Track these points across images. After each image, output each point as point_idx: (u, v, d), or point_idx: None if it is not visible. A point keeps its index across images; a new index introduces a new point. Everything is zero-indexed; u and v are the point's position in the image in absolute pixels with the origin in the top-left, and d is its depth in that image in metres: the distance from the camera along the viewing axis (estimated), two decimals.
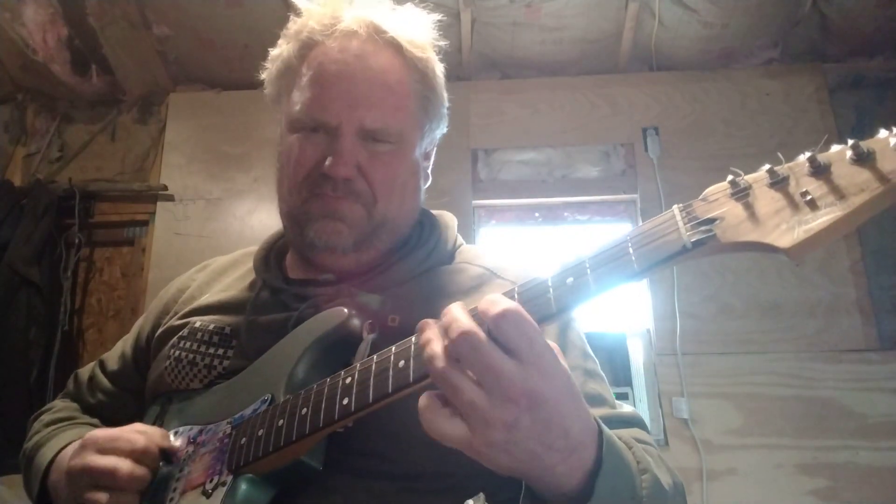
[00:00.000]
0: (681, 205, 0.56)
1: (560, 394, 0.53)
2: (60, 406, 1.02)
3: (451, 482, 0.72)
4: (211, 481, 0.72)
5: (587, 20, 2.90)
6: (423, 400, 0.56)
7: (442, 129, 0.94)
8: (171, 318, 0.96)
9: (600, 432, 0.58)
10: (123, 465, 0.72)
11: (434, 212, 0.98)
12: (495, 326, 0.52)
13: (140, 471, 0.73)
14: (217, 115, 3.12)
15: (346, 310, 0.75)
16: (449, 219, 0.97)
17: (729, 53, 3.01)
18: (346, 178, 0.81)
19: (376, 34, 0.83)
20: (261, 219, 2.98)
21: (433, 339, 0.56)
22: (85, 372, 1.06)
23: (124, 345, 1.05)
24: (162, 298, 1.03)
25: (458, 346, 0.52)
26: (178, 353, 0.88)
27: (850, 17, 2.83)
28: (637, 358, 2.69)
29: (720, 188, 0.55)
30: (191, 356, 0.87)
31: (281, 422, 0.69)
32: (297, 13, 0.88)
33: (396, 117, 0.83)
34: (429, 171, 0.96)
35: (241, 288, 0.94)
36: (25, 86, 3.24)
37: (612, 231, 2.99)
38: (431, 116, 0.90)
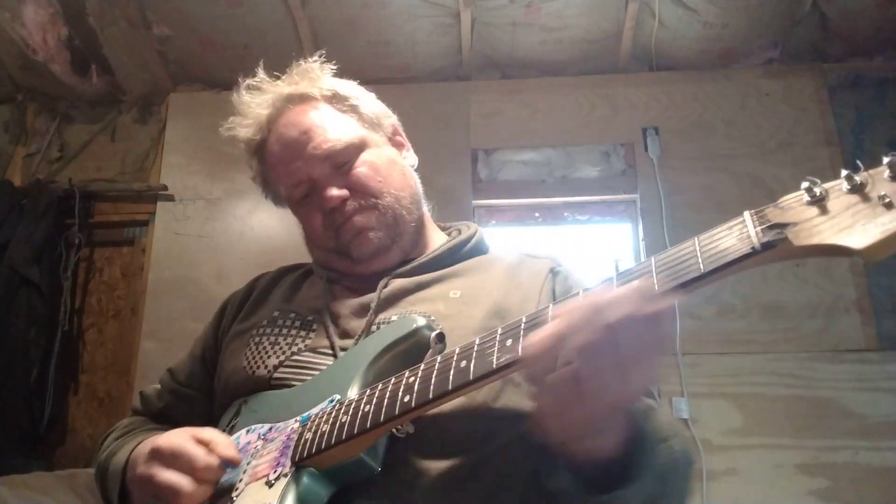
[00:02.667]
0: (753, 210, 0.55)
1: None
2: (127, 422, 1.05)
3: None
4: (274, 472, 0.75)
5: (587, 20, 2.90)
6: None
7: (389, 118, 1.07)
8: (243, 316, 1.04)
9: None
10: (184, 483, 0.75)
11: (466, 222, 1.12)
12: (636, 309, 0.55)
13: (200, 490, 0.76)
14: (217, 115, 3.10)
15: (417, 319, 0.80)
16: (477, 227, 1.10)
17: (729, 53, 3.01)
18: (342, 200, 0.94)
19: (283, 102, 0.99)
20: (261, 219, 2.98)
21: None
22: (150, 388, 1.10)
23: (192, 349, 1.10)
24: (231, 303, 1.10)
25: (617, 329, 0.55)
26: (258, 339, 0.95)
27: (850, 17, 2.83)
28: None
29: (795, 196, 0.54)
30: (272, 338, 0.94)
31: (345, 418, 0.72)
32: (232, 132, 1.05)
33: (337, 135, 0.96)
34: (409, 153, 1.08)
35: (307, 286, 1.04)
36: (25, 86, 3.24)
37: (612, 231, 2.99)
38: (368, 115, 1.02)
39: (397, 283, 0.93)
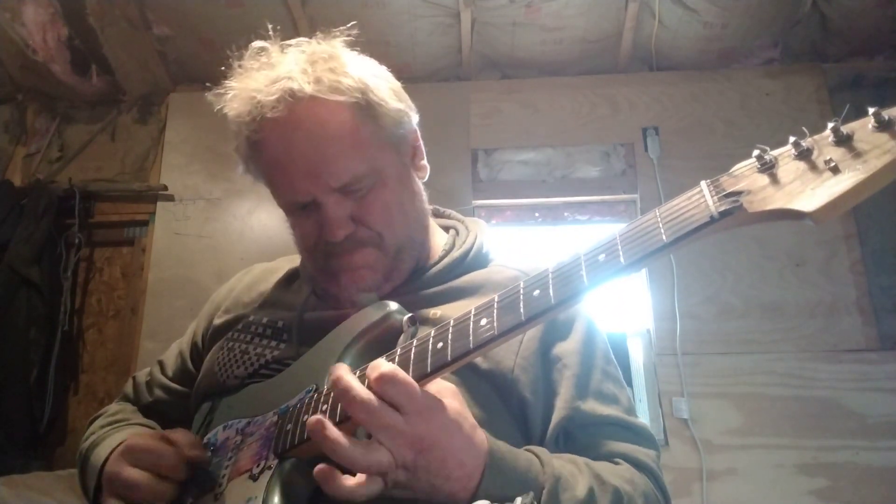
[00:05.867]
0: (708, 180, 0.57)
1: (448, 433, 0.64)
2: (115, 409, 1.05)
3: None
4: (258, 466, 0.74)
5: (587, 20, 2.90)
6: (319, 474, 0.63)
7: (411, 120, 0.92)
8: (222, 314, 1.02)
9: (489, 454, 0.66)
10: (145, 480, 0.77)
11: (466, 219, 1.04)
12: (378, 389, 0.62)
13: (161, 486, 0.77)
14: (217, 115, 3.11)
15: (388, 304, 0.79)
16: (482, 225, 1.02)
17: (729, 53, 3.01)
18: (345, 236, 0.85)
19: (295, 100, 0.81)
20: (261, 219, 2.98)
21: (324, 420, 0.64)
22: (142, 374, 1.09)
23: (180, 345, 1.09)
24: (214, 300, 1.08)
25: (354, 412, 0.63)
26: (231, 344, 0.93)
27: (850, 17, 2.83)
28: (637, 358, 2.69)
29: (747, 164, 0.56)
30: (243, 346, 0.92)
31: (325, 407, 0.71)
32: (226, 115, 0.89)
33: (357, 159, 0.83)
34: (423, 162, 0.97)
35: (290, 288, 1.01)
36: (25, 86, 3.24)
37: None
38: (392, 128, 0.88)
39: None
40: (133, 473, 0.77)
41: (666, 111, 2.99)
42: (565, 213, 3.00)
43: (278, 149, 0.84)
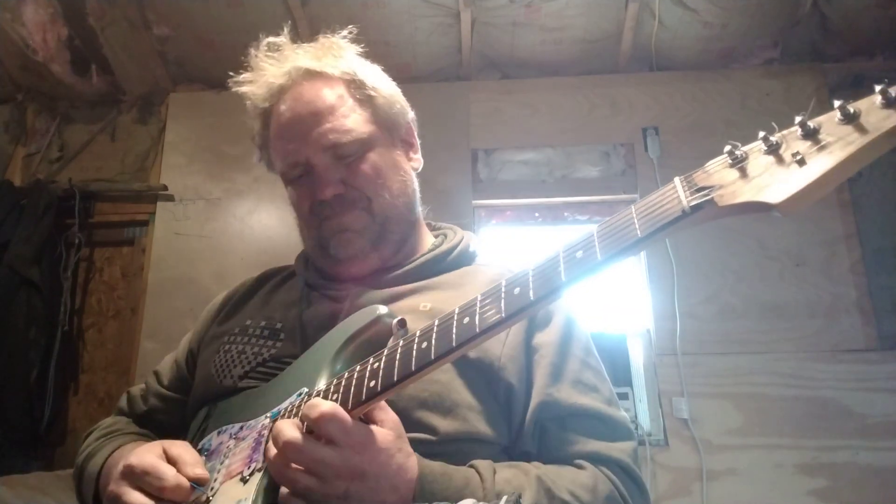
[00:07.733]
0: (682, 176, 0.59)
1: (380, 462, 0.67)
2: (110, 422, 1.05)
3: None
4: (248, 469, 0.75)
5: (587, 20, 2.90)
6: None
7: (406, 115, 1.03)
8: (220, 319, 1.04)
9: (419, 479, 0.70)
10: None
11: (458, 227, 1.10)
12: (314, 426, 0.66)
13: None
14: (217, 115, 3.12)
15: (378, 308, 0.81)
16: (471, 233, 1.09)
17: (729, 53, 3.01)
18: (335, 195, 0.93)
19: (301, 75, 0.96)
20: (261, 219, 2.98)
21: (270, 450, 0.69)
22: (136, 388, 1.11)
23: (175, 354, 1.11)
24: (210, 309, 1.11)
25: (286, 452, 0.66)
26: (228, 346, 0.96)
27: (850, 17, 2.83)
28: (637, 358, 2.69)
29: (719, 160, 0.58)
30: (241, 347, 0.95)
31: None
32: (244, 98, 1.02)
33: (347, 127, 0.94)
34: (416, 156, 1.05)
35: (285, 290, 1.05)
36: (25, 86, 3.24)
37: None
38: (384, 109, 0.98)
39: (369, 295, 0.93)
40: (136, 498, 0.75)
41: (666, 111, 2.99)
42: (565, 213, 3.00)
43: (282, 115, 0.96)
